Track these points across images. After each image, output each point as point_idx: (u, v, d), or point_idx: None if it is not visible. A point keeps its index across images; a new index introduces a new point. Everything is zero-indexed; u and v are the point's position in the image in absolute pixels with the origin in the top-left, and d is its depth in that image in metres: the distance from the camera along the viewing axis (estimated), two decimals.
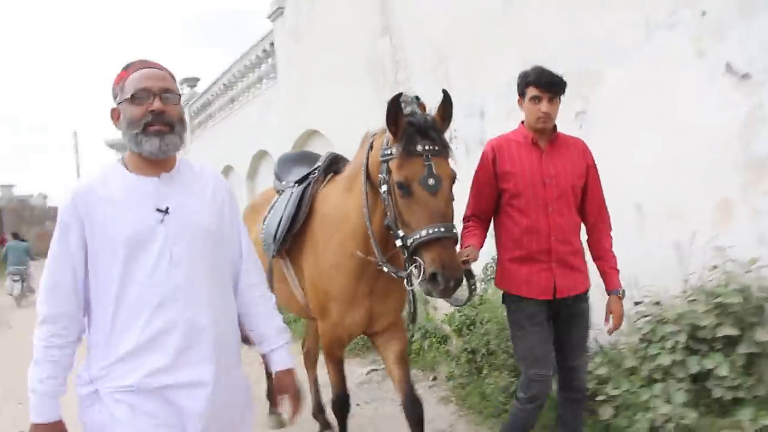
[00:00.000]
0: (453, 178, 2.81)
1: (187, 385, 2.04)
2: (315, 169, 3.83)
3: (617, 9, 4.15)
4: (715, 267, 3.45)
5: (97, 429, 2.02)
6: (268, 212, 4.01)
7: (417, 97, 2.95)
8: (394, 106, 2.78)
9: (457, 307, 4.77)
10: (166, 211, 2.05)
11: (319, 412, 4.60)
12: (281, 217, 3.76)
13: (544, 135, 3.09)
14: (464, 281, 2.84)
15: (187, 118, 18.03)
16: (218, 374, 2.09)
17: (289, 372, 2.35)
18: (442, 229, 2.62)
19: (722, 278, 3.41)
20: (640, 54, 3.99)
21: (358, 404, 4.87)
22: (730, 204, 3.51)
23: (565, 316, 3.12)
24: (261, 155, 12.12)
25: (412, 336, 5.89)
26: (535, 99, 3.00)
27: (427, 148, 2.74)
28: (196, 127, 17.25)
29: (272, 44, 10.74)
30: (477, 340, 4.61)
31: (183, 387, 2.03)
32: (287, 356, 2.35)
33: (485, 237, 3.15)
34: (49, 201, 52.54)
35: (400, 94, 2.85)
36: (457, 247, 2.79)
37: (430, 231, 2.62)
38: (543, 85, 2.98)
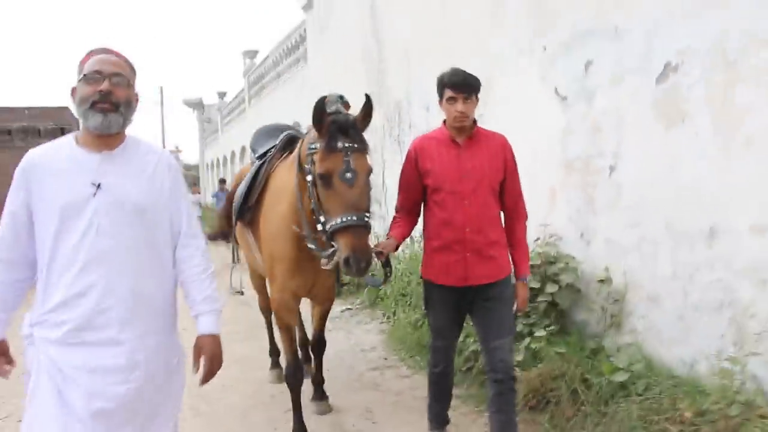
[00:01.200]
0: (369, 172, 3.05)
1: (105, 342, 2.19)
2: (272, 147, 4.20)
3: (502, 33, 5.31)
4: (537, 239, 4.66)
5: (30, 367, 2.22)
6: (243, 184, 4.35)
7: (341, 97, 3.19)
8: (320, 106, 3.01)
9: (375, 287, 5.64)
10: (99, 187, 2.20)
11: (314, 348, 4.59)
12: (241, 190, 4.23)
13: (462, 132, 3.21)
14: (381, 266, 3.22)
15: (246, 86, 19.77)
16: (137, 335, 2.24)
17: (209, 336, 2.41)
18: (355, 218, 2.86)
19: (546, 247, 4.62)
20: (513, 70, 5.15)
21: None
22: (555, 192, 4.70)
23: (482, 301, 3.22)
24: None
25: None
26: (451, 100, 3.13)
27: (346, 145, 2.97)
28: (253, 96, 18.92)
29: (305, 30, 12.16)
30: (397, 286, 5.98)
31: (100, 344, 2.18)
32: (211, 322, 2.42)
33: (410, 228, 3.37)
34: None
35: (325, 96, 3.09)
36: (372, 236, 3.04)
37: (344, 219, 2.87)
38: (457, 86, 3.12)
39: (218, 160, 27.83)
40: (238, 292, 5.40)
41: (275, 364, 5.09)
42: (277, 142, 4.14)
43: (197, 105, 34.88)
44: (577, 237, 4.45)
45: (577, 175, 4.47)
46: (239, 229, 4.47)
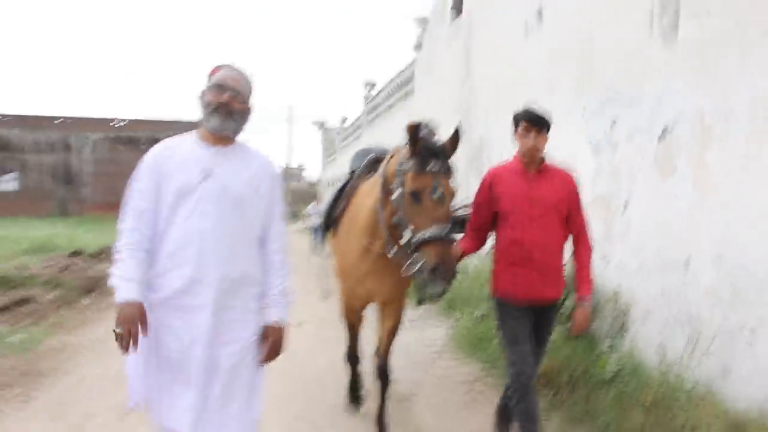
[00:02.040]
0: (453, 195, 3.32)
1: (196, 308, 2.55)
2: (359, 167, 4.43)
3: (554, 96, 6.32)
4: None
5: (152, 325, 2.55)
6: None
7: (428, 125, 3.44)
8: (415, 131, 3.26)
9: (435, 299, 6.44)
10: (208, 174, 2.57)
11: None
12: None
13: (532, 164, 3.49)
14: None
15: (364, 113, 21.62)
16: (220, 304, 2.57)
17: (275, 325, 2.73)
18: (444, 232, 3.13)
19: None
20: (562, 124, 6.16)
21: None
22: None
23: (538, 317, 3.52)
24: None
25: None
26: (525, 133, 3.43)
27: (436, 168, 3.24)
28: (369, 122, 20.59)
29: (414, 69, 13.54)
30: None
31: (192, 309, 2.55)
32: (279, 313, 2.74)
33: (476, 245, 3.69)
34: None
35: (419, 122, 3.34)
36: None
37: (434, 232, 3.11)
38: (532, 120, 3.41)
39: (336, 178, 29.85)
40: (328, 295, 6.05)
41: (354, 398, 4.88)
42: (364, 162, 4.42)
43: (322, 126, 37.49)
44: (599, 259, 5.38)
45: (601, 210, 5.41)
46: (329, 238, 4.81)
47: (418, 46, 12.79)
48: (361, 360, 4.63)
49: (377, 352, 4.23)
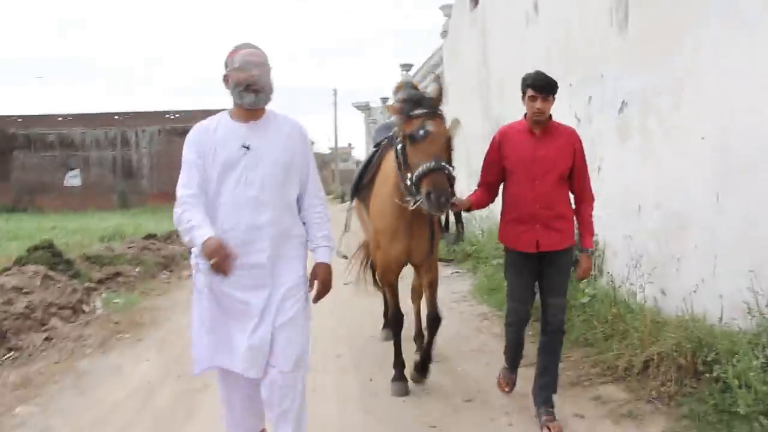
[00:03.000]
0: (446, 134, 3.73)
1: (251, 265, 2.83)
2: (386, 137, 4.64)
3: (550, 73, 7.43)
4: None
5: (199, 286, 2.90)
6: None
7: (410, 83, 4.05)
8: (396, 90, 3.93)
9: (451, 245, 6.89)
10: (248, 148, 2.85)
11: (418, 335, 5.14)
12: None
13: (538, 125, 3.73)
14: (455, 224, 4.32)
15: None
16: (274, 258, 2.88)
17: (323, 265, 3.06)
18: (433, 164, 3.50)
19: None
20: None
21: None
22: None
23: (547, 265, 3.79)
24: None
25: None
26: (532, 98, 3.67)
27: (420, 111, 3.71)
28: None
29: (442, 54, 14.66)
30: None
31: (248, 266, 2.82)
32: (325, 254, 3.07)
33: (485, 199, 3.98)
34: (315, 147, 62.03)
35: (399, 85, 4.08)
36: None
37: (426, 165, 3.50)
38: (538, 87, 3.67)
39: None
40: (343, 256, 5.98)
41: (420, 347, 4.99)
42: (390, 133, 4.56)
43: (364, 108, 38.70)
44: None
45: None
46: (356, 204, 5.24)
47: (444, 33, 13.90)
48: (403, 323, 4.62)
49: (428, 306, 4.52)
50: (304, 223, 3.09)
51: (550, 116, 3.79)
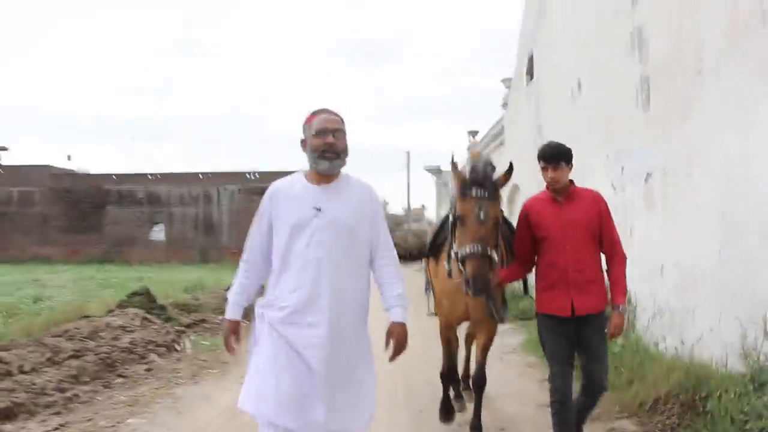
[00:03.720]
0: (495, 216, 3.79)
1: (310, 324, 2.92)
2: None
3: (589, 147, 8.22)
4: None
5: (258, 335, 3.03)
6: None
7: (490, 163, 3.96)
8: (455, 166, 3.92)
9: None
10: (319, 209, 2.94)
11: (465, 377, 5.61)
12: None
13: (560, 192, 3.83)
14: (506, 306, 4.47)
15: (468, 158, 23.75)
16: (334, 322, 2.92)
17: (398, 324, 3.11)
18: (478, 248, 3.63)
19: None
20: (594, 167, 8.03)
21: None
22: None
23: (584, 330, 3.80)
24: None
25: None
26: (544, 169, 3.80)
27: (478, 194, 3.77)
28: None
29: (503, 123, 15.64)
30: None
31: (307, 325, 2.92)
32: (400, 313, 3.11)
33: (519, 272, 4.20)
34: (389, 208, 61.66)
35: (455, 163, 3.95)
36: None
37: (468, 249, 3.67)
38: (546, 157, 3.79)
39: None
40: (432, 313, 6.03)
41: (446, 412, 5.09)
42: None
43: (435, 171, 39.88)
44: None
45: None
46: (431, 263, 5.14)
47: (505, 104, 14.89)
48: (455, 378, 5.07)
49: (476, 364, 4.64)
50: (377, 283, 3.18)
51: (572, 182, 3.90)
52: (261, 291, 3.18)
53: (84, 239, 39.27)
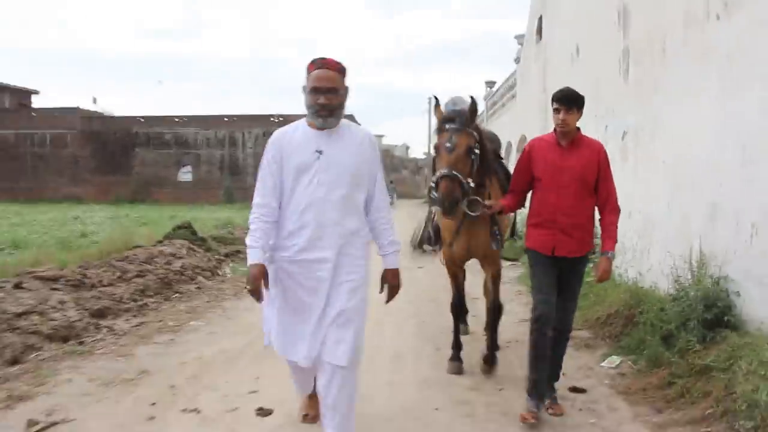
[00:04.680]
0: (463, 145, 4.12)
1: (318, 260, 3.09)
2: None
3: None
4: None
5: (271, 277, 3.12)
6: None
7: (457, 99, 4.43)
8: (437, 106, 4.39)
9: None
10: (321, 153, 3.07)
11: (487, 327, 5.18)
12: None
13: (566, 137, 3.93)
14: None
15: (483, 107, 25.05)
16: (339, 256, 3.10)
17: (392, 270, 3.32)
18: (445, 171, 4.00)
19: None
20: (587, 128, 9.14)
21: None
22: None
23: (564, 270, 4.01)
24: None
25: None
26: (556, 110, 3.90)
27: (449, 126, 4.20)
28: (489, 117, 23.67)
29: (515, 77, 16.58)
30: None
31: (315, 261, 3.09)
32: (393, 259, 3.32)
33: (515, 203, 4.37)
34: (410, 152, 61.51)
35: (437, 101, 4.42)
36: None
37: (441, 172, 4.03)
38: (560, 99, 3.91)
39: None
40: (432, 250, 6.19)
41: (455, 357, 5.12)
42: None
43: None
44: None
45: None
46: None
47: (517, 59, 15.83)
48: (465, 311, 5.39)
49: (488, 297, 4.97)
50: (370, 228, 3.32)
51: (578, 129, 4.01)
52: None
53: (113, 180, 40.88)
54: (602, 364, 5.30)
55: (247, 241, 3.12)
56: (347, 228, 3.14)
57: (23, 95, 44.45)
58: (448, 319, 5.28)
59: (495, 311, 4.96)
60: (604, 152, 4.08)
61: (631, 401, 4.43)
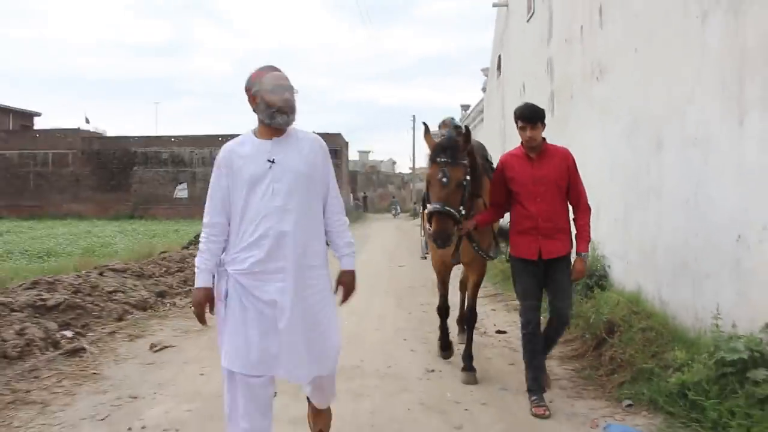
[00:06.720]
0: (458, 179, 4.16)
1: (275, 271, 2.98)
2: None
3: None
4: None
5: (222, 293, 3.03)
6: None
7: (457, 126, 4.48)
8: (426, 134, 4.42)
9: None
10: (273, 162, 3.00)
11: (461, 320, 6.10)
12: None
13: (533, 150, 4.15)
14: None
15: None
16: (297, 266, 3.00)
17: (348, 272, 3.30)
18: (438, 206, 4.11)
19: None
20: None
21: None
22: None
23: (551, 271, 4.22)
24: None
25: None
26: (522, 128, 4.11)
27: (442, 159, 4.18)
28: None
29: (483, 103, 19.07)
30: None
31: (273, 272, 2.98)
32: (349, 261, 3.30)
33: (493, 217, 4.62)
34: (396, 167, 61.90)
35: (427, 127, 4.49)
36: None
37: (431, 208, 4.19)
38: (525, 117, 4.10)
39: None
40: (424, 256, 6.63)
41: (462, 330, 5.92)
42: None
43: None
44: None
45: None
46: (423, 213, 5.50)
47: (484, 89, 18.33)
48: (449, 312, 5.45)
49: (467, 302, 5.25)
50: (326, 231, 3.25)
51: (544, 139, 4.20)
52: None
53: (113, 197, 42.47)
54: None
55: (196, 261, 3.08)
56: (306, 235, 3.09)
57: (26, 117, 46.41)
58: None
59: (471, 314, 5.14)
60: (572, 157, 4.34)
61: None
